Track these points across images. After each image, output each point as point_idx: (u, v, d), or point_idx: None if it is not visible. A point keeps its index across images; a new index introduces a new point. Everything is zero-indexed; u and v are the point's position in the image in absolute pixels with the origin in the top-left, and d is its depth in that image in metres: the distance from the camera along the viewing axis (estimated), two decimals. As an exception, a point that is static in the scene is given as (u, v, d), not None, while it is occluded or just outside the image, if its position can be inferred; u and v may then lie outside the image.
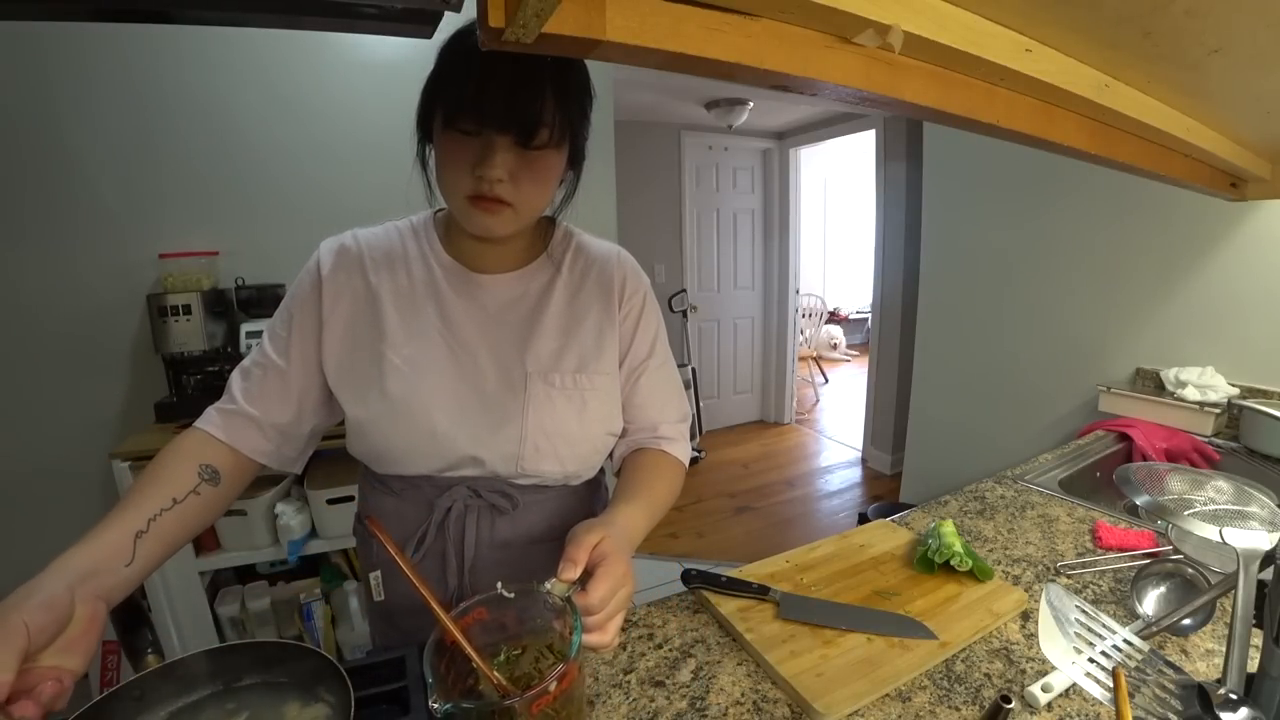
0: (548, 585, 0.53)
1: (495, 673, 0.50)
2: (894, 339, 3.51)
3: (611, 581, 0.55)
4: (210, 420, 0.71)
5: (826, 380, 5.81)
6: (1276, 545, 0.55)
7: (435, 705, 0.44)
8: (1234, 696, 0.46)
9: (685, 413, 0.84)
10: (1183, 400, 1.51)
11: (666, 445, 0.80)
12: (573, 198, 0.75)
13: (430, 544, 0.74)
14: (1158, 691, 0.50)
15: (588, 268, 0.78)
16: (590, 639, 0.54)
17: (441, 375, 0.71)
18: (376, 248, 0.74)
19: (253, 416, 0.71)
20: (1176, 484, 0.70)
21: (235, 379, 0.73)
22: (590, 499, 0.83)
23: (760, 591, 0.78)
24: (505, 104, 0.60)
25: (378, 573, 0.78)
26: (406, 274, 0.73)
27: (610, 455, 0.82)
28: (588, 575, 0.55)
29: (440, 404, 0.70)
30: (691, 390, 4.02)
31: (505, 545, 0.75)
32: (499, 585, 0.55)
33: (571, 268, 0.78)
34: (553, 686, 0.46)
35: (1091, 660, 0.52)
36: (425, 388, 0.70)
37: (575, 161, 0.71)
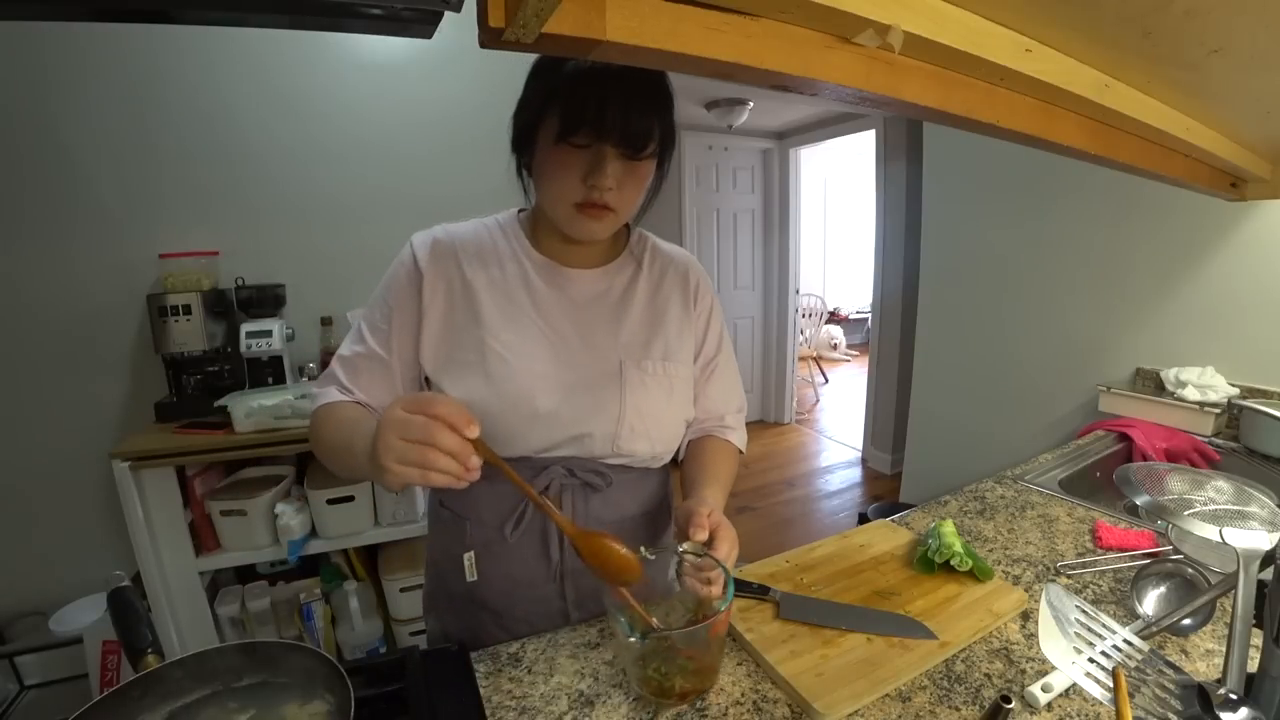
0: (685, 546, 0.67)
1: (653, 617, 0.63)
2: (894, 339, 3.51)
3: (730, 541, 0.67)
4: (335, 398, 0.74)
5: (826, 380, 5.81)
6: (1276, 545, 0.55)
7: (635, 638, 0.59)
8: (1234, 696, 0.46)
9: (743, 403, 0.93)
10: (1183, 400, 1.51)
11: (730, 434, 0.89)
12: (654, 200, 0.79)
13: (529, 522, 0.77)
14: (1158, 691, 0.50)
15: (665, 268, 0.85)
16: (712, 590, 0.65)
17: (540, 360, 0.75)
18: (469, 242, 0.78)
19: (367, 404, 0.75)
20: (1176, 484, 0.70)
21: (338, 369, 0.76)
22: (666, 480, 0.89)
23: (760, 591, 0.78)
24: (622, 120, 0.65)
25: (471, 554, 0.78)
26: (499, 267, 0.77)
27: None
28: (710, 539, 0.66)
29: (543, 386, 0.74)
30: (691, 390, 4.01)
31: (600, 523, 0.79)
32: (642, 549, 0.64)
33: (650, 266, 0.84)
34: (721, 617, 0.59)
35: (1091, 660, 0.52)
36: (527, 371, 0.74)
37: (663, 159, 0.75)
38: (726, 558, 0.66)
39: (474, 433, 0.53)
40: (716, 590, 0.64)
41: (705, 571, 0.65)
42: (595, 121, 0.64)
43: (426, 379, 0.77)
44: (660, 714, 0.62)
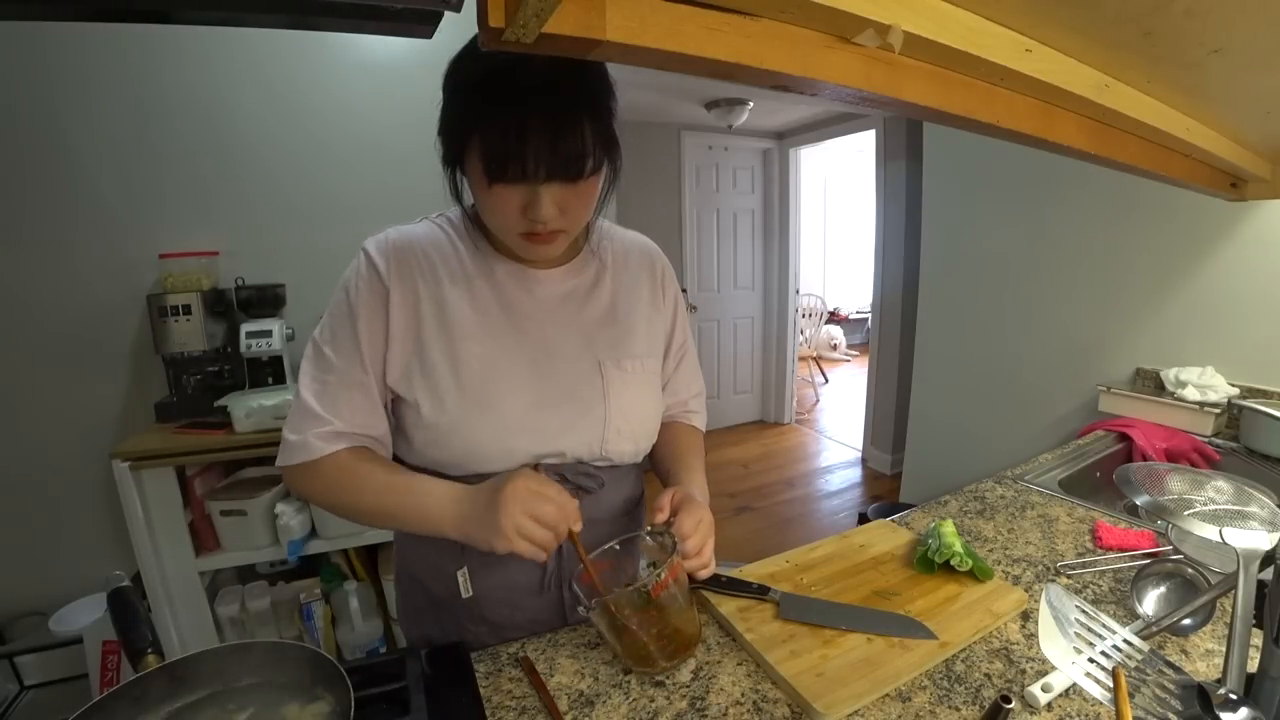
0: (648, 528, 0.71)
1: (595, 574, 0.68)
2: (894, 339, 3.51)
3: (693, 514, 0.70)
4: (323, 449, 0.68)
5: (826, 380, 5.81)
6: (1276, 545, 0.55)
7: (584, 609, 0.63)
8: (1234, 696, 0.46)
9: (703, 385, 0.95)
10: (1183, 400, 1.51)
11: (694, 418, 0.93)
12: (612, 191, 0.73)
13: None
14: (1158, 691, 0.50)
15: (626, 258, 0.83)
16: (690, 564, 0.69)
17: (517, 369, 0.72)
18: (428, 248, 0.73)
19: (363, 434, 0.71)
20: (1176, 484, 0.70)
21: (312, 402, 0.69)
22: (642, 472, 0.90)
23: (760, 591, 0.78)
24: (551, 153, 0.60)
25: (465, 570, 0.76)
26: (465, 276, 0.73)
27: None
28: (673, 519, 0.70)
29: (521, 396, 0.72)
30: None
31: (591, 523, 0.75)
32: (612, 543, 0.72)
33: (614, 257, 0.82)
34: (664, 574, 0.63)
35: (1091, 660, 0.52)
36: (503, 381, 0.71)
37: (611, 160, 0.68)
38: (691, 528, 0.68)
39: (579, 528, 0.64)
40: (694, 565, 0.69)
41: (664, 551, 0.68)
42: (520, 159, 0.59)
43: (394, 396, 0.73)
44: (650, 676, 0.66)
